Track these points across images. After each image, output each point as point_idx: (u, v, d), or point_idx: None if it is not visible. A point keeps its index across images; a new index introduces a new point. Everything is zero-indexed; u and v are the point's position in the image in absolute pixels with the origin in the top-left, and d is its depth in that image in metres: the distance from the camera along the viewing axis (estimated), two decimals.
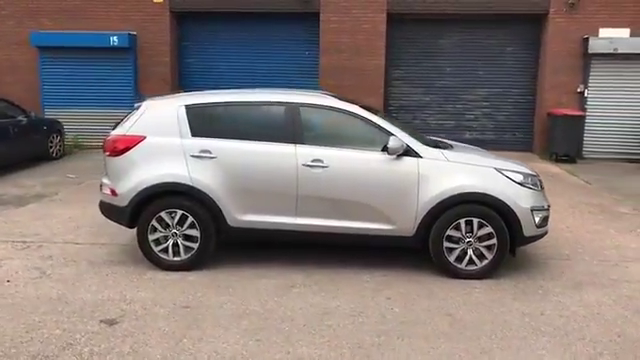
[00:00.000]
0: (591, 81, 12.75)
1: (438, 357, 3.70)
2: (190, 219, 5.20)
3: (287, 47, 13.68)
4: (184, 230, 5.23)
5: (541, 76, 13.19)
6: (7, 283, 4.93)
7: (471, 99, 13.73)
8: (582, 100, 12.84)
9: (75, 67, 13.51)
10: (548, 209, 5.45)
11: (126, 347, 3.75)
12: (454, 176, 5.16)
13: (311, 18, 13.24)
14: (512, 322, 4.27)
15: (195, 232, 5.22)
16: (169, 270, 5.23)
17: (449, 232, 5.13)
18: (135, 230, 5.56)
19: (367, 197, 5.14)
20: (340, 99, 5.53)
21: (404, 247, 5.39)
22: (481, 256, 5.17)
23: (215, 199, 5.16)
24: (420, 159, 5.15)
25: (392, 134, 5.14)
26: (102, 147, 5.58)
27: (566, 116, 12.23)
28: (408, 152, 5.13)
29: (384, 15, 13.00)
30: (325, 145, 5.22)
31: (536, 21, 13.18)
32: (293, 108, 5.28)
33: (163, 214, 5.22)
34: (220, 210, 5.18)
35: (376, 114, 5.48)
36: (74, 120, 13.42)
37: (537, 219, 5.23)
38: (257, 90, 6.04)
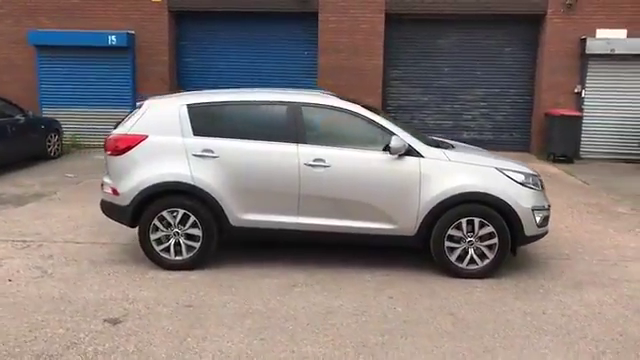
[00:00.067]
0: (588, 82, 12.81)
1: (442, 356, 3.72)
2: (192, 218, 5.20)
3: (285, 47, 13.69)
4: (186, 229, 5.23)
5: (539, 76, 13.24)
6: (9, 282, 4.91)
7: (469, 99, 13.77)
8: (579, 100, 12.90)
9: (73, 66, 13.48)
10: (549, 209, 5.48)
11: (130, 346, 3.75)
12: (456, 176, 5.17)
13: (309, 18, 13.26)
14: (514, 321, 4.29)
15: (197, 231, 5.23)
16: (171, 269, 5.22)
17: (450, 231, 5.15)
18: (136, 229, 5.56)
19: (369, 197, 5.15)
20: (342, 99, 5.54)
21: (405, 247, 5.40)
22: (482, 255, 5.19)
23: (217, 198, 5.16)
24: (422, 159, 5.16)
25: (394, 134, 5.15)
26: (103, 146, 5.56)
27: (564, 116, 12.28)
28: (410, 152, 5.15)
29: (382, 15, 13.03)
30: (327, 144, 5.23)
31: (534, 22, 13.22)
32: (295, 107, 5.29)
33: (165, 213, 5.22)
34: (222, 209, 5.19)
35: (378, 114, 5.49)
36: (72, 119, 13.40)
37: (538, 219, 5.25)
38: (259, 89, 6.04)
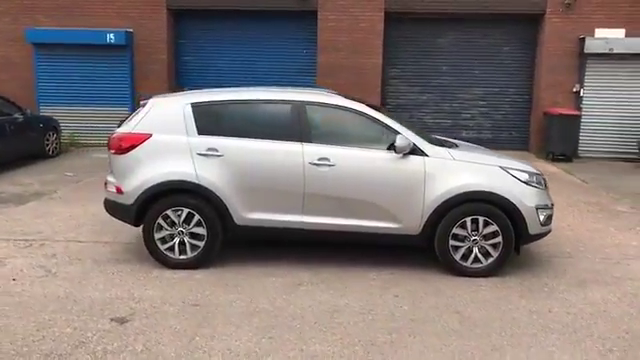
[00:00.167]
0: (587, 81, 12.85)
1: (450, 354, 3.73)
2: (196, 217, 5.19)
3: (285, 45, 13.67)
4: (190, 228, 5.22)
5: (537, 75, 13.27)
6: (13, 281, 4.90)
7: (468, 98, 13.79)
8: (578, 100, 12.94)
9: (71, 64, 13.40)
10: (552, 207, 5.50)
11: (139, 345, 3.75)
12: (460, 175, 5.18)
13: (309, 16, 13.24)
14: (520, 319, 4.31)
15: (202, 230, 5.22)
16: (175, 268, 5.22)
17: (455, 230, 5.16)
18: (138, 228, 5.57)
19: (373, 195, 5.16)
20: (346, 97, 5.54)
21: (410, 245, 5.41)
22: (486, 254, 5.21)
23: (222, 197, 5.16)
24: (426, 158, 5.17)
25: (399, 133, 5.16)
26: (107, 145, 5.55)
27: (562, 115, 12.32)
28: (414, 151, 5.15)
29: (382, 14, 13.03)
30: (332, 143, 5.23)
31: (533, 21, 13.26)
32: (300, 106, 5.29)
33: (169, 212, 5.21)
34: (227, 208, 5.18)
35: (382, 113, 5.49)
36: (70, 118, 13.33)
37: (542, 217, 5.27)
38: (263, 88, 6.04)
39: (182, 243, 5.25)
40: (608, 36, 12.49)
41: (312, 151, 5.16)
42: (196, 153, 5.19)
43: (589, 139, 12.94)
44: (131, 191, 5.24)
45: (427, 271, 5.30)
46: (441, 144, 5.52)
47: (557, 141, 12.39)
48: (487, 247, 5.20)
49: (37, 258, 5.54)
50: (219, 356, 3.63)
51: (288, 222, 5.22)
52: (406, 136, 5.14)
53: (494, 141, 13.13)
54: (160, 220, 5.22)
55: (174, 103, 5.45)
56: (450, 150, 5.36)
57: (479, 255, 5.20)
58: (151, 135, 5.26)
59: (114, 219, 5.68)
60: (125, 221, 5.48)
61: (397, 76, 13.85)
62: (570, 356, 3.73)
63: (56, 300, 4.50)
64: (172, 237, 5.25)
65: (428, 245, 5.28)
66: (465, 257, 5.21)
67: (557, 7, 12.75)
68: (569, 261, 5.78)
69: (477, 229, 5.16)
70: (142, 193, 5.19)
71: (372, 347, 3.79)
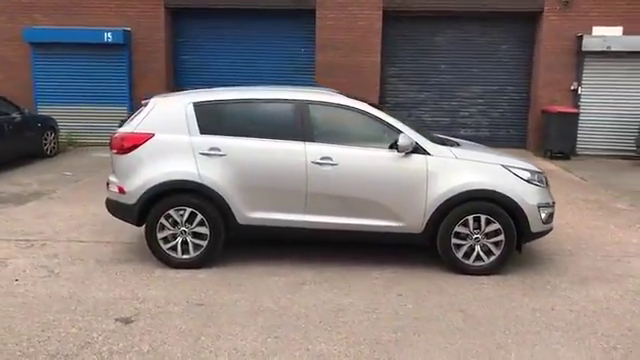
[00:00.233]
0: (584, 79, 12.90)
1: (456, 353, 3.74)
2: (199, 217, 5.19)
3: (283, 44, 13.66)
4: (193, 228, 5.22)
5: (535, 74, 13.31)
6: (16, 282, 4.89)
7: (466, 96, 13.82)
8: (575, 97, 12.98)
9: (69, 63, 13.36)
10: (553, 205, 5.52)
11: (145, 346, 3.74)
12: (462, 173, 5.20)
13: (307, 15, 13.23)
14: (524, 317, 4.33)
15: (204, 230, 5.22)
16: (178, 268, 5.22)
17: (457, 229, 5.17)
18: (139, 228, 5.57)
19: (376, 194, 5.16)
20: (348, 96, 5.55)
21: (413, 244, 5.42)
22: (488, 252, 5.23)
23: (224, 197, 5.16)
24: (429, 156, 5.18)
25: (401, 131, 5.17)
26: (109, 144, 5.54)
27: (560, 113, 12.36)
28: (417, 149, 5.16)
29: (380, 12, 13.04)
30: (334, 142, 5.24)
31: (531, 19, 13.28)
32: (302, 105, 5.29)
33: (172, 212, 5.21)
34: (229, 208, 5.18)
35: (385, 112, 5.49)
36: (68, 117, 13.28)
37: (543, 215, 5.29)
38: (265, 87, 6.05)
39: (185, 243, 5.25)
40: (606, 34, 12.53)
41: (315, 150, 5.16)
42: (198, 152, 5.19)
43: (587, 137, 12.98)
44: (133, 191, 5.23)
45: (429, 269, 5.31)
46: (443, 143, 5.53)
47: (555, 139, 12.43)
48: (489, 245, 5.21)
49: (39, 258, 5.53)
50: (225, 356, 3.64)
51: (291, 221, 5.22)
52: (408, 135, 5.15)
53: (492, 139, 13.13)
54: (163, 220, 5.22)
55: (176, 102, 5.45)
56: (452, 149, 5.37)
57: (481, 253, 5.22)
58: (153, 135, 5.26)
59: (115, 219, 5.69)
60: (127, 221, 5.47)
61: (395, 74, 13.87)
62: (575, 354, 3.75)
63: (60, 300, 4.49)
64: (175, 237, 5.25)
65: (430, 244, 5.30)
66: (467, 255, 5.23)
67: (555, 5, 12.78)
68: (570, 259, 5.81)
69: (479, 227, 5.18)
70: (144, 193, 5.18)
71: (378, 346, 3.80)
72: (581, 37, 12.58)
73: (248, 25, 13.63)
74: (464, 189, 5.13)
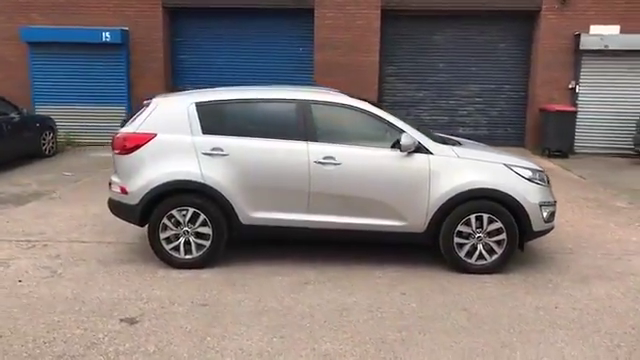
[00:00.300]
0: (582, 77, 12.94)
1: (461, 352, 3.76)
2: (202, 217, 5.19)
3: (281, 43, 13.67)
4: (196, 228, 5.22)
5: (533, 72, 13.35)
6: (19, 283, 4.88)
7: (464, 95, 13.86)
8: (573, 96, 13.02)
9: (67, 63, 13.34)
10: (555, 204, 5.55)
11: (151, 346, 3.75)
12: (464, 172, 5.21)
13: (305, 14, 13.24)
14: (527, 316, 4.35)
15: (207, 230, 5.22)
16: (181, 268, 5.21)
17: (459, 228, 5.19)
18: (140, 228, 5.58)
19: (379, 194, 5.17)
20: (350, 96, 5.55)
21: (415, 243, 5.43)
22: (491, 251, 5.25)
23: (227, 196, 5.16)
24: (431, 156, 5.20)
25: (404, 131, 5.18)
26: (111, 145, 5.54)
27: (559, 112, 12.40)
28: (419, 149, 5.18)
29: (378, 11, 13.05)
30: (336, 142, 5.25)
31: (528, 18, 13.32)
32: (305, 105, 5.29)
33: (174, 212, 5.21)
34: (232, 207, 5.18)
35: (386, 111, 5.50)
36: (66, 117, 13.25)
37: (545, 214, 5.31)
38: (267, 87, 6.05)
39: (187, 243, 5.25)
40: (603, 33, 12.58)
41: (317, 150, 5.17)
42: (201, 153, 5.19)
43: (585, 135, 13.03)
44: (136, 191, 5.23)
45: (432, 268, 5.32)
46: (444, 142, 5.55)
47: (553, 137, 12.48)
48: (491, 244, 5.23)
49: (41, 259, 5.52)
50: (232, 356, 3.64)
51: (293, 221, 5.23)
52: (411, 134, 5.16)
53: (490, 137, 13.14)
54: (165, 220, 5.21)
55: (178, 102, 5.44)
56: (454, 148, 5.39)
57: (483, 252, 5.24)
58: (155, 135, 5.25)
59: (116, 219, 5.68)
60: (130, 221, 5.47)
61: (394, 73, 13.89)
62: (579, 352, 3.77)
63: (64, 301, 4.49)
64: (177, 237, 5.25)
65: (433, 243, 5.31)
66: (469, 254, 5.24)
67: (552, 4, 12.82)
68: (571, 257, 5.83)
69: (481, 226, 5.19)
70: (147, 193, 5.18)
71: (383, 345, 3.81)
72: (579, 36, 12.62)
73: (246, 24, 13.62)
74: (466, 188, 5.14)
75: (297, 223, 5.24)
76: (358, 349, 3.75)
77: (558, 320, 4.27)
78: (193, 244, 5.25)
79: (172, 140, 5.26)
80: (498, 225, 5.18)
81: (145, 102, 5.57)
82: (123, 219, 5.56)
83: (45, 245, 5.96)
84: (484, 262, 5.25)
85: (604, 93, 12.93)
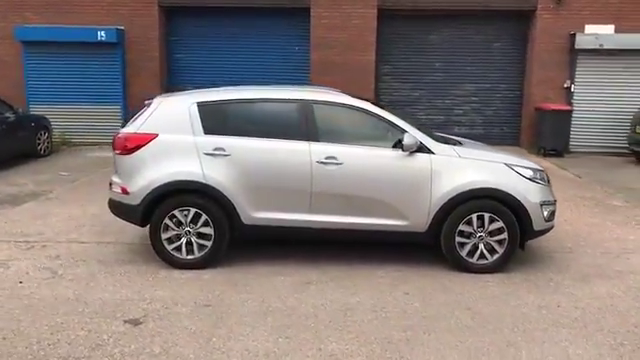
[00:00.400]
0: (577, 76, 12.99)
1: (467, 351, 3.77)
2: (204, 217, 5.18)
3: (277, 42, 13.62)
4: (198, 228, 5.21)
5: (528, 71, 13.39)
6: (20, 284, 4.85)
7: (460, 94, 13.88)
8: (569, 95, 13.08)
9: (61, 62, 13.19)
10: (555, 203, 5.58)
11: (156, 347, 3.73)
12: (466, 172, 5.23)
13: (301, 13, 13.21)
14: (530, 315, 4.37)
15: (209, 230, 5.21)
16: (183, 269, 5.20)
17: (461, 227, 5.20)
18: (140, 228, 5.58)
19: (381, 193, 5.18)
20: (352, 96, 5.56)
21: (417, 243, 5.44)
22: (492, 250, 5.27)
23: (229, 197, 5.15)
24: (432, 155, 5.21)
25: (406, 131, 5.19)
26: (112, 145, 5.51)
27: (554, 111, 12.46)
28: (421, 148, 5.19)
29: (375, 11, 13.04)
30: (338, 142, 5.25)
31: (524, 17, 13.36)
32: (306, 105, 5.29)
33: (176, 212, 5.19)
34: (234, 208, 5.17)
35: (388, 111, 5.51)
36: (61, 116, 13.11)
37: (546, 213, 5.34)
38: (269, 87, 6.04)
39: (189, 243, 5.24)
40: (598, 32, 12.63)
41: (319, 150, 5.17)
42: (203, 153, 5.17)
43: (580, 134, 13.08)
44: (137, 191, 5.21)
45: (433, 268, 5.34)
46: (446, 142, 5.56)
47: (548, 136, 12.53)
48: (493, 243, 5.25)
49: (40, 260, 5.49)
50: (238, 357, 3.64)
51: (295, 221, 5.23)
52: (413, 134, 5.17)
53: (486, 137, 13.14)
54: (167, 220, 5.20)
55: (180, 102, 5.42)
56: (455, 147, 5.41)
57: (485, 251, 5.26)
58: (157, 135, 5.23)
59: (114, 219, 5.69)
60: (131, 222, 5.45)
61: (390, 73, 13.89)
62: (584, 350, 3.80)
63: (66, 302, 4.46)
64: (179, 237, 5.23)
65: (434, 242, 5.32)
66: (471, 253, 5.26)
67: (548, 3, 12.85)
68: (571, 256, 5.87)
69: (483, 225, 5.21)
70: (149, 193, 5.16)
71: (389, 345, 3.82)
72: (574, 35, 12.67)
73: (242, 23, 13.58)
74: (468, 188, 5.16)
75: (299, 223, 5.24)
76: (364, 349, 3.76)
77: (561, 319, 4.30)
78: (195, 244, 5.24)
79: (174, 140, 5.24)
80: (499, 224, 5.20)
81: (146, 102, 5.54)
82: (124, 219, 5.54)
83: (44, 246, 5.93)
84: (485, 261, 5.27)
85: (599, 92, 12.99)
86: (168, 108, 5.40)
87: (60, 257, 5.58)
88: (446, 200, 5.15)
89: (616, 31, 12.68)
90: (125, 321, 4.13)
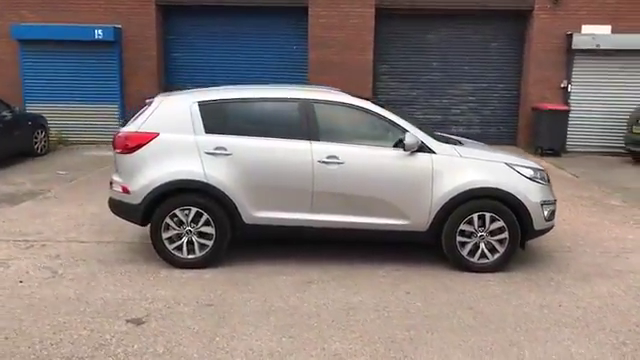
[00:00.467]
0: (574, 76, 13.04)
1: (470, 350, 3.78)
2: (205, 216, 5.17)
3: (275, 41, 13.60)
4: (199, 227, 5.20)
5: (525, 71, 13.44)
6: (20, 284, 4.83)
7: (457, 94, 13.91)
8: (565, 95, 13.13)
9: (58, 61, 13.14)
10: (555, 203, 5.60)
11: (160, 347, 3.72)
12: (467, 171, 5.24)
13: (299, 12, 13.20)
14: (532, 314, 4.38)
15: (210, 229, 5.20)
16: (183, 268, 5.19)
17: (462, 227, 5.21)
18: (139, 227, 5.56)
19: (382, 193, 5.19)
20: (352, 95, 5.56)
21: (418, 242, 5.45)
22: (493, 250, 5.28)
23: (230, 196, 5.14)
24: (434, 155, 5.22)
25: (407, 130, 5.19)
26: (112, 144, 5.48)
27: (551, 111, 12.50)
28: (422, 148, 5.19)
29: (372, 10, 13.05)
30: (340, 141, 5.25)
31: (521, 17, 13.41)
32: (308, 104, 5.29)
33: (177, 211, 5.18)
34: (235, 207, 5.16)
35: (389, 111, 5.51)
36: (58, 115, 13.05)
37: (546, 212, 5.36)
38: (270, 86, 6.04)
39: (190, 242, 5.23)
40: (595, 32, 12.68)
41: (321, 149, 5.17)
42: (204, 152, 5.16)
43: (577, 134, 13.12)
44: (138, 191, 5.19)
45: (434, 267, 5.35)
46: (447, 141, 5.57)
47: (545, 136, 12.58)
48: (493, 243, 5.26)
49: (40, 259, 5.47)
50: (242, 356, 3.63)
51: (297, 220, 5.23)
52: (414, 134, 5.18)
53: (483, 136, 13.12)
54: (168, 219, 5.18)
55: (181, 101, 5.41)
56: (456, 147, 5.41)
57: (486, 251, 5.27)
58: (158, 134, 5.22)
59: (113, 218, 5.67)
60: (132, 221, 5.43)
61: (387, 72, 13.90)
62: (586, 350, 3.81)
63: (67, 302, 4.44)
64: (180, 237, 5.22)
65: (435, 242, 5.33)
66: (472, 253, 5.28)
67: (545, 4, 12.90)
68: (570, 255, 5.89)
69: (484, 225, 5.22)
70: (150, 193, 5.14)
71: (393, 344, 3.82)
72: (571, 35, 12.72)
73: (240, 22, 13.56)
74: (468, 187, 5.17)
75: (300, 222, 5.24)
76: (368, 348, 3.76)
77: (563, 318, 4.31)
78: (196, 244, 5.23)
79: (175, 139, 5.23)
80: (500, 224, 5.21)
81: (147, 101, 5.53)
82: (124, 218, 5.52)
83: (43, 245, 5.90)
84: (486, 261, 5.28)
85: (596, 92, 13.04)
86: (169, 107, 5.39)
87: (60, 256, 5.55)
88: (447, 200, 5.16)
89: (613, 31, 12.74)
90: (127, 321, 4.12)
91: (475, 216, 5.20)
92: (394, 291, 4.79)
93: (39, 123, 11.75)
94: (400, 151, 5.18)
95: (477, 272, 5.23)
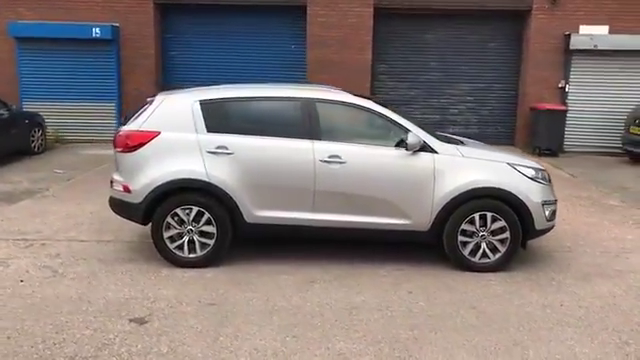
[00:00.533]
0: (572, 77, 13.07)
1: (474, 350, 3.78)
2: (206, 215, 5.15)
3: (273, 41, 13.57)
4: (200, 227, 5.18)
5: (523, 71, 13.46)
6: (21, 283, 4.80)
7: (455, 94, 13.92)
8: (563, 95, 13.16)
9: (55, 59, 13.06)
10: (556, 202, 5.62)
11: (163, 346, 3.71)
12: (469, 171, 5.24)
13: (297, 11, 13.18)
14: (534, 314, 4.39)
15: (211, 228, 5.18)
16: (185, 267, 5.18)
17: (463, 226, 5.22)
18: (139, 226, 5.55)
19: (384, 192, 5.18)
20: (355, 94, 5.55)
21: (419, 242, 5.45)
22: (494, 249, 5.29)
23: (232, 195, 5.13)
24: (435, 154, 5.22)
25: (409, 130, 5.19)
26: (113, 142, 5.46)
27: (549, 111, 12.53)
28: (424, 148, 5.19)
29: (371, 9, 13.03)
30: (342, 141, 5.25)
31: (519, 17, 13.43)
32: (309, 103, 5.28)
33: (178, 211, 5.16)
34: (237, 206, 5.15)
35: (391, 110, 5.50)
36: (55, 114, 12.98)
37: (547, 212, 5.37)
38: (272, 85, 6.03)
39: (191, 241, 5.21)
40: (592, 33, 12.72)
41: (322, 148, 5.16)
42: (206, 151, 5.14)
43: (574, 134, 13.16)
44: (139, 189, 5.17)
45: (435, 267, 5.35)
46: (448, 141, 5.57)
47: (543, 136, 12.61)
48: (495, 242, 5.27)
49: (40, 258, 5.44)
50: (246, 356, 3.62)
51: (298, 219, 5.22)
52: (416, 133, 5.18)
53: (481, 136, 13.07)
54: (169, 219, 5.17)
55: (182, 100, 5.39)
56: (458, 147, 5.42)
57: (487, 250, 5.27)
58: (159, 133, 5.20)
59: (113, 217, 5.66)
60: (132, 220, 5.41)
61: (386, 72, 13.90)
62: (590, 349, 3.82)
63: (69, 301, 4.42)
64: (181, 236, 5.21)
65: (437, 241, 5.33)
66: (473, 252, 5.28)
67: (543, 4, 12.92)
68: (570, 255, 5.91)
69: (485, 225, 5.23)
70: (151, 192, 5.12)
71: (397, 344, 3.82)
72: (569, 36, 12.76)
73: (238, 21, 13.52)
74: (470, 187, 5.17)
75: (302, 222, 5.23)
76: (372, 348, 3.76)
77: (565, 318, 4.32)
78: (197, 243, 5.21)
79: (176, 138, 5.21)
80: (502, 224, 5.22)
81: (148, 99, 5.50)
82: (125, 217, 5.50)
83: (43, 244, 5.87)
84: (488, 260, 5.29)
85: (593, 92, 13.08)
86: (170, 106, 5.37)
87: (60, 255, 5.53)
88: (449, 199, 5.16)
89: (610, 32, 12.78)
90: (130, 320, 4.10)
91: (477, 216, 5.21)
92: (396, 291, 4.79)
93: (36, 121, 11.69)
94: (402, 151, 5.18)
95: (478, 272, 5.24)
